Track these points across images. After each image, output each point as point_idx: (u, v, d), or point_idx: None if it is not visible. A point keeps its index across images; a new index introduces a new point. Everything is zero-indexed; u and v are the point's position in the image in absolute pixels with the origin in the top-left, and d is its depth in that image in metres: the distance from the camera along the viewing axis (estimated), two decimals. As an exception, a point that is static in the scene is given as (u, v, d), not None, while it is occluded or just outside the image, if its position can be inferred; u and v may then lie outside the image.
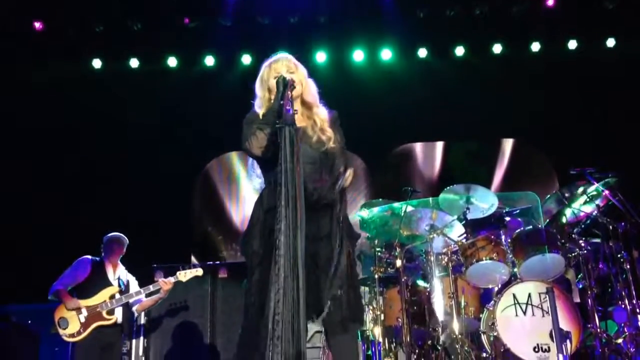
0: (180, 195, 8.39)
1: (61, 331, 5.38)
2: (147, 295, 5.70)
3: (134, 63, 8.51)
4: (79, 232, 7.54)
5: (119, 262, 5.84)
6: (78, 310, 5.39)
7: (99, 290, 5.51)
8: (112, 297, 5.51)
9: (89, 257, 5.74)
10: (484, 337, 5.21)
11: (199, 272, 5.74)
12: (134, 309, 5.79)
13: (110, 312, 5.46)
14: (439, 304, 5.32)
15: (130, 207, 7.59)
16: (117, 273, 5.75)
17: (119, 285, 5.63)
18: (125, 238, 5.90)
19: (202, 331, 6.48)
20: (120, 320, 5.54)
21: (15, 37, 8.13)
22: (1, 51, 8.10)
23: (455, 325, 5.13)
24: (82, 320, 5.39)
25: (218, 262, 6.67)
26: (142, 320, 6.46)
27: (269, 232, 3.11)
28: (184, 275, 5.64)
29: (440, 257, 5.61)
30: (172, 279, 5.60)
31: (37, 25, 8.06)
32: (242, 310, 3.23)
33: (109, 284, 5.59)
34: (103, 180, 7.99)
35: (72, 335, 5.36)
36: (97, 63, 8.48)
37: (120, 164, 8.09)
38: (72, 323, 5.38)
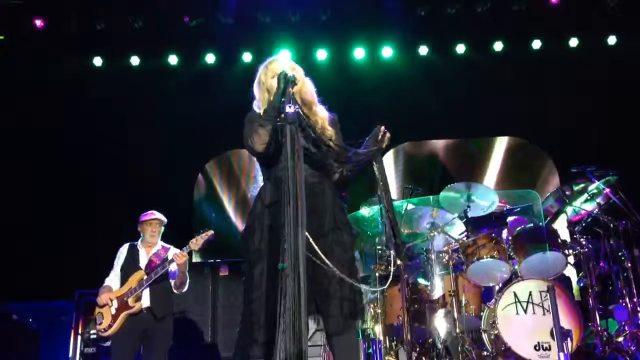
0: (182, 192, 8.40)
1: (97, 327, 5.17)
2: (167, 270, 5.26)
3: (135, 60, 8.51)
4: (79, 230, 7.56)
5: (158, 242, 5.46)
6: (110, 303, 5.16)
7: (129, 278, 5.24)
8: (139, 281, 5.17)
9: (128, 243, 5.48)
10: (484, 336, 5.21)
11: (209, 233, 5.20)
12: (175, 290, 5.39)
13: (137, 298, 5.13)
14: (439, 302, 5.33)
15: (130, 204, 7.58)
16: (150, 255, 5.38)
17: (146, 268, 5.26)
18: (158, 215, 5.49)
19: (203, 329, 6.48)
20: (148, 304, 5.16)
21: (16, 34, 8.13)
22: (2, 48, 8.11)
23: (456, 324, 5.14)
24: (113, 312, 5.13)
25: (219, 260, 6.66)
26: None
27: (269, 227, 3.13)
28: (196, 242, 5.15)
29: (441, 255, 5.61)
30: (185, 250, 5.18)
31: (38, 22, 8.05)
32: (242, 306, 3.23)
33: (139, 269, 5.28)
34: (103, 178, 7.99)
35: (105, 330, 5.11)
36: (98, 60, 8.48)
37: (120, 161, 8.09)
38: (105, 317, 5.16)
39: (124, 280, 5.28)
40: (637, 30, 8.18)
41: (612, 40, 8.42)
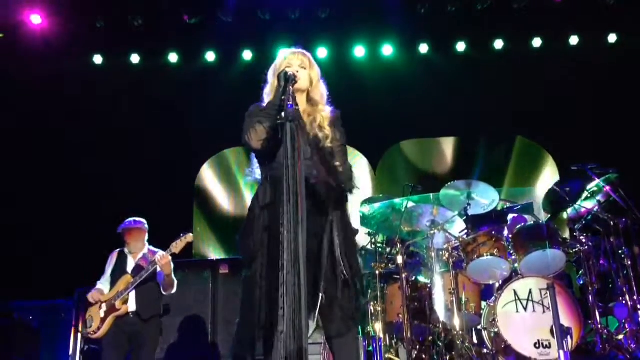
0: (181, 191, 8.40)
1: (87, 330, 5.35)
2: (152, 273, 5.38)
3: (135, 59, 8.50)
4: (78, 229, 7.56)
5: (144, 247, 5.62)
6: (99, 305, 5.35)
7: (117, 282, 5.42)
8: (126, 285, 5.33)
9: (118, 249, 5.65)
10: (484, 333, 5.22)
11: (189, 237, 5.44)
12: (164, 292, 5.52)
13: (124, 301, 5.29)
14: (440, 300, 5.33)
15: (130, 204, 7.58)
16: (137, 260, 5.54)
17: (132, 272, 5.42)
18: (136, 221, 5.64)
19: (203, 327, 6.48)
20: (134, 307, 5.31)
21: (14, 31, 8.12)
22: (1, 47, 8.10)
23: (456, 321, 5.14)
24: (102, 315, 5.32)
25: (219, 258, 6.65)
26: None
27: (266, 228, 3.12)
28: (176, 246, 5.37)
29: (441, 253, 5.61)
30: (168, 253, 5.33)
31: (38, 20, 8.04)
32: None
33: (126, 274, 5.45)
34: (103, 177, 7.98)
35: (94, 332, 5.30)
36: (97, 59, 8.48)
37: (120, 160, 8.08)
38: (95, 320, 5.34)
39: (112, 285, 5.46)
40: (637, 28, 8.17)
41: (612, 38, 8.42)
